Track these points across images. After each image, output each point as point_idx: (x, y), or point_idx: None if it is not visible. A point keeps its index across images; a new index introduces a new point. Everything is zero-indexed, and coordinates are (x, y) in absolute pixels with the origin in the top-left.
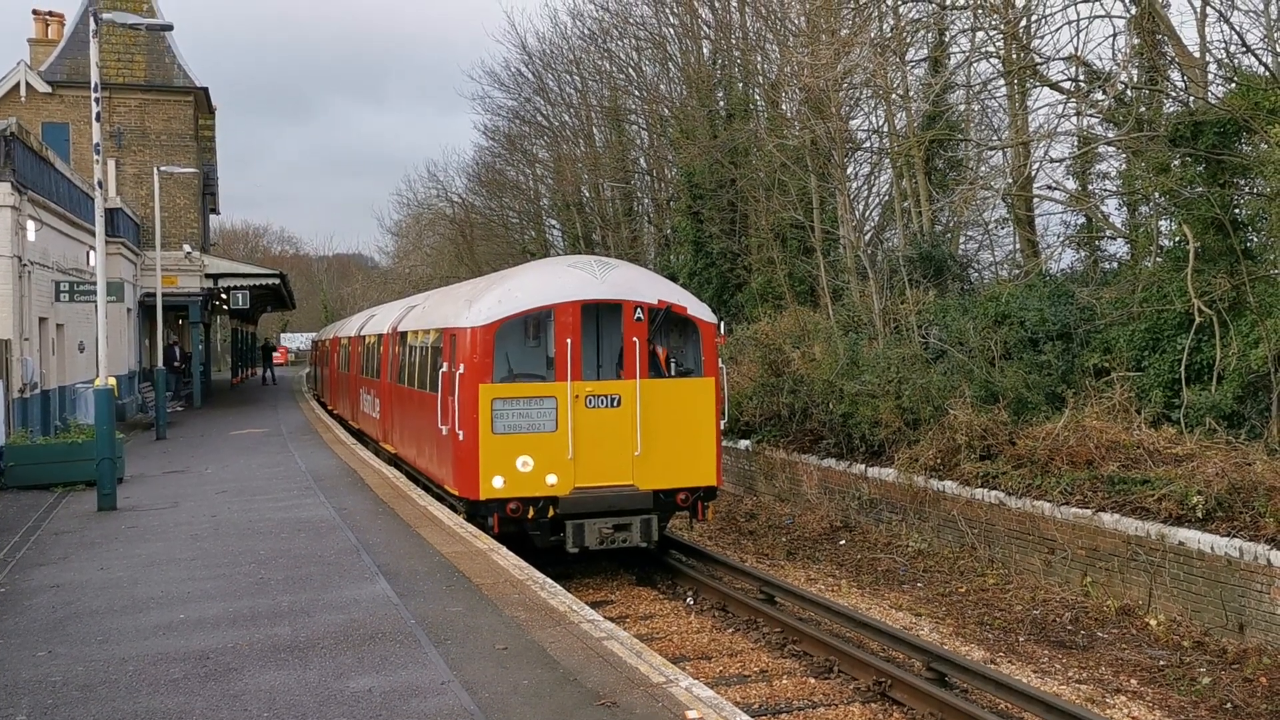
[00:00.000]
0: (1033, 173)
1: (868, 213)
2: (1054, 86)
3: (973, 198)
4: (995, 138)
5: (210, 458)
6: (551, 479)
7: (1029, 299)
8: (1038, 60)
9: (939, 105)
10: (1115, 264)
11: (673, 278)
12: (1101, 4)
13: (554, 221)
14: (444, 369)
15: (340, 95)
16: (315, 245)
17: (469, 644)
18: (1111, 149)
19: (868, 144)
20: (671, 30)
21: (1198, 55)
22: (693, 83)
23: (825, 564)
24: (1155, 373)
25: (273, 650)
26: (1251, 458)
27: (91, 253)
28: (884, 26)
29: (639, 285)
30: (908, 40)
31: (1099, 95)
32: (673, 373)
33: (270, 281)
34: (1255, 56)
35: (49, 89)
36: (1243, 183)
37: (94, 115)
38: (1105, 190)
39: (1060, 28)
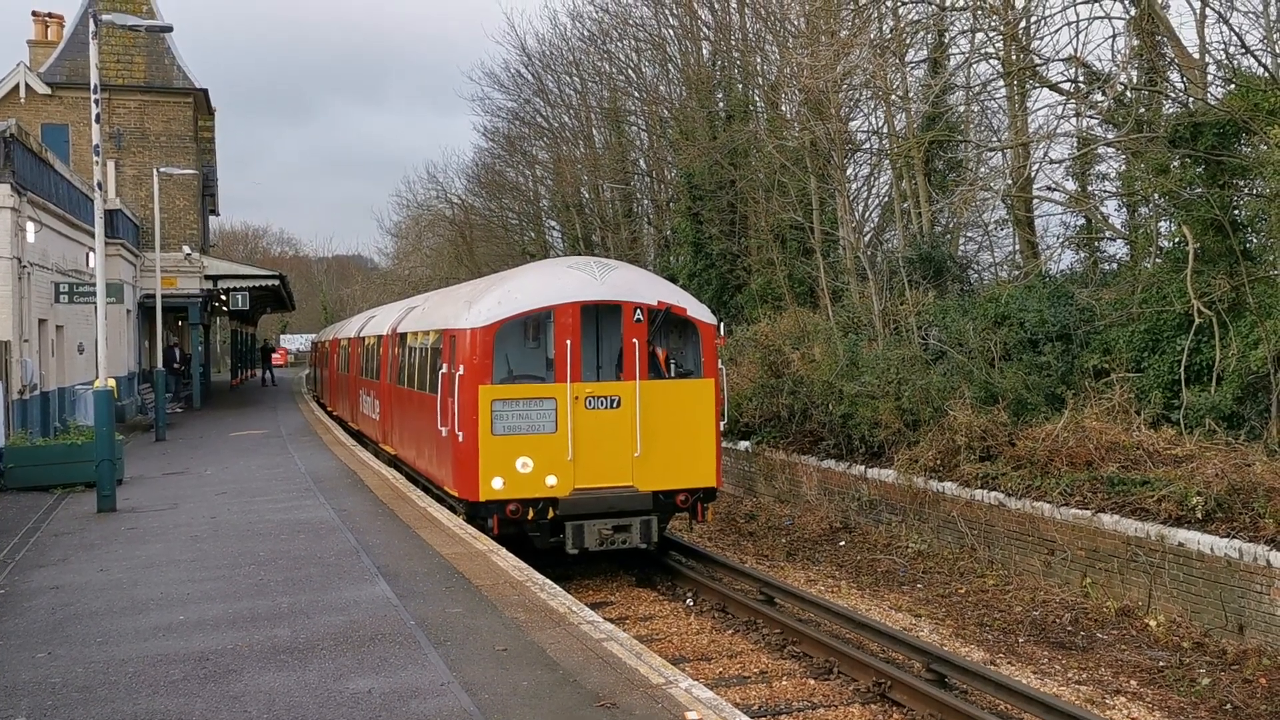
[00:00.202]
0: (1032, 174)
1: (867, 214)
2: (1053, 88)
3: (972, 199)
4: (995, 139)
5: (210, 459)
6: (551, 480)
7: (1028, 300)
8: (1037, 61)
9: (939, 106)
10: (1115, 265)
11: (672, 279)
12: (1101, 5)
13: (554, 223)
14: (444, 370)
15: (339, 96)
16: (315, 246)
17: (469, 645)
18: (1111, 150)
19: (867, 145)
20: (671, 31)
21: (1197, 56)
22: (692, 84)
23: (825, 565)
24: (1155, 374)
25: (272, 651)
26: (1251, 459)
27: (91, 254)
28: (883, 28)
29: (639, 286)
30: (907, 41)
31: (1098, 96)
32: (672, 374)
33: (270, 283)
34: (1254, 57)
35: (48, 90)
36: (1242, 184)
37: (93, 117)
38: (1105, 191)
39: (1060, 29)
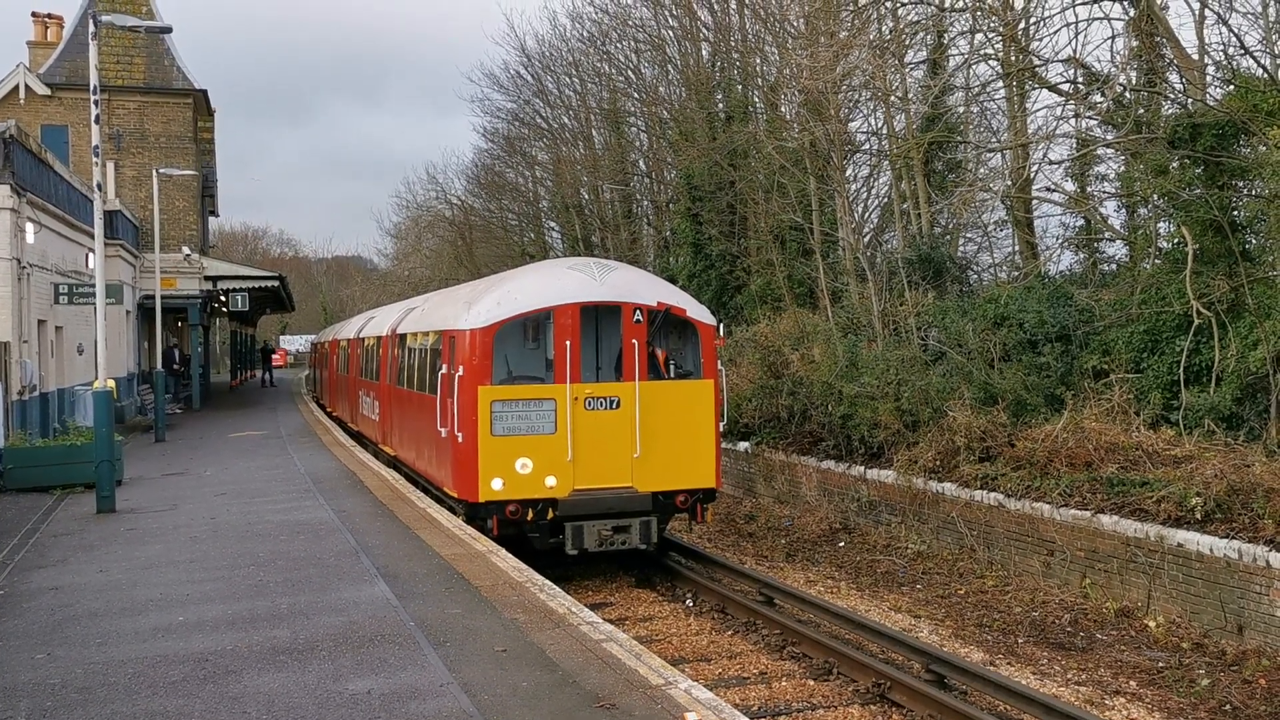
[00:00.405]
0: (1031, 175)
1: (867, 215)
2: (1053, 89)
3: (972, 199)
4: (994, 140)
5: (209, 460)
6: (551, 481)
7: (1028, 301)
8: (1036, 62)
9: (938, 107)
10: (1114, 266)
11: (672, 280)
12: (1100, 6)
13: (553, 223)
14: (443, 371)
15: (339, 97)
16: (314, 247)
17: (468, 646)
18: (1110, 151)
19: (867, 146)
20: (671, 32)
21: (1196, 57)
22: (692, 85)
23: (824, 566)
24: (1154, 374)
25: (272, 652)
26: (1250, 459)
27: (90, 255)
28: (883, 29)
29: (638, 287)
30: (907, 42)
31: (1098, 97)
32: (672, 375)
33: (269, 284)
34: (1254, 58)
35: (48, 91)
36: (1241, 184)
37: (93, 117)
38: (1104, 192)
39: (1059, 30)
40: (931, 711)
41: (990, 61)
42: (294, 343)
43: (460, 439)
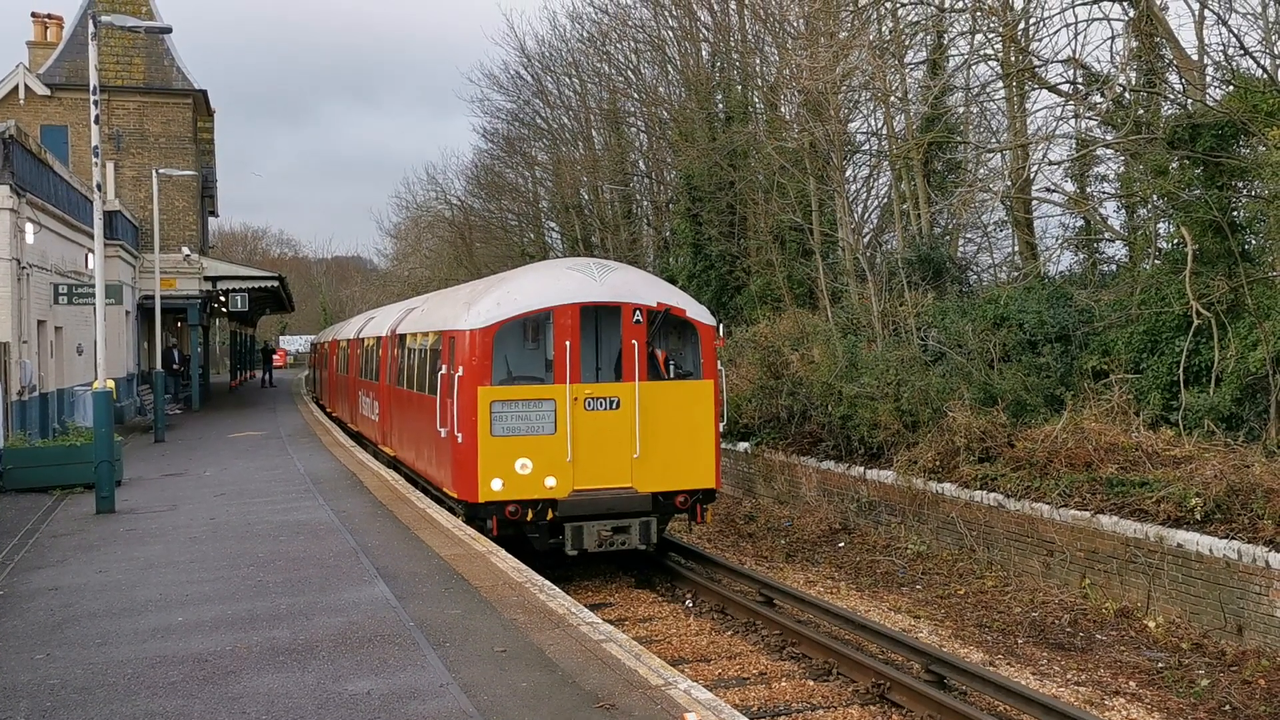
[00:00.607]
0: (1031, 175)
1: (866, 215)
2: (1052, 89)
3: (971, 200)
4: (994, 140)
5: (209, 460)
6: (550, 481)
7: (1028, 301)
8: (1036, 63)
9: (938, 108)
10: (1114, 266)
11: (672, 280)
12: (1100, 7)
13: (553, 224)
14: (443, 371)
15: (337, 99)
16: (314, 248)
17: (468, 646)
18: (1110, 151)
19: (866, 146)
20: (670, 33)
21: (1196, 58)
22: (692, 85)
23: (824, 566)
24: (1154, 375)
25: (271, 653)
26: (1250, 460)
27: (90, 255)
28: (883, 29)
29: (638, 288)
30: (906, 43)
31: (1097, 98)
32: (671, 375)
33: (269, 284)
34: (1253, 59)
35: (48, 92)
36: (1241, 185)
37: (93, 118)
38: (1104, 193)
39: (1059, 30)
40: (931, 712)
41: (990, 62)
42: (293, 343)
43: (460, 439)
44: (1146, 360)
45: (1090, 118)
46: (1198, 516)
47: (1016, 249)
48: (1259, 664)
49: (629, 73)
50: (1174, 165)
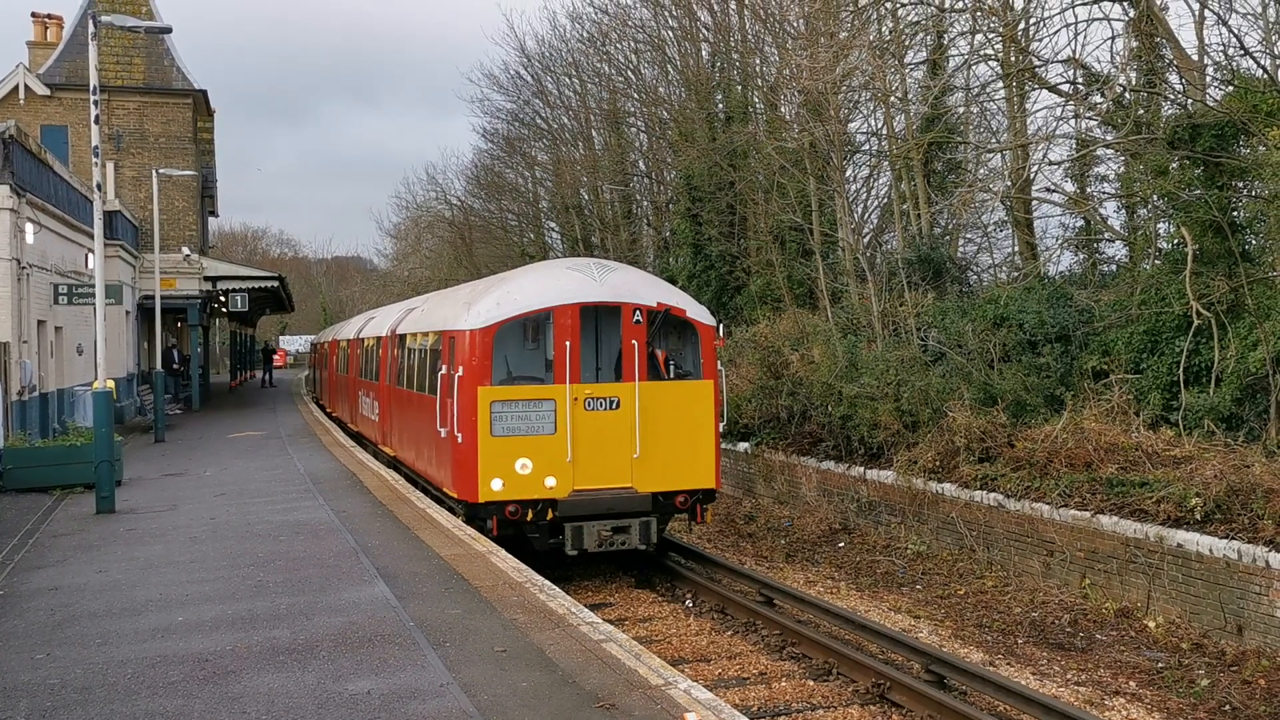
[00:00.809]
0: (1031, 175)
1: (866, 215)
2: (1052, 89)
3: (971, 200)
4: (994, 140)
5: (209, 460)
6: (550, 481)
7: (1028, 301)
8: (1036, 63)
9: (938, 108)
10: (1114, 266)
11: (672, 280)
12: (1100, 7)
13: (553, 224)
14: (443, 371)
15: (335, 100)
16: (314, 248)
17: (468, 646)
18: (1110, 151)
19: (866, 147)
20: (670, 33)
21: (1196, 58)
22: (692, 85)
23: (824, 566)
24: (1154, 375)
25: (271, 653)
26: (1250, 460)
27: (90, 255)
28: (883, 29)
29: (638, 288)
30: (906, 43)
31: (1097, 98)
32: (671, 375)
33: (269, 284)
34: (1253, 59)
35: (48, 92)
36: (1241, 185)
37: (93, 118)
38: (1104, 193)
39: (1059, 30)
40: (931, 712)
41: (990, 62)
42: (293, 343)
43: (460, 439)
44: (1146, 360)
45: (1090, 118)
46: (1198, 516)
47: (1016, 249)
48: (1259, 664)
49: (629, 73)
50: (1174, 165)
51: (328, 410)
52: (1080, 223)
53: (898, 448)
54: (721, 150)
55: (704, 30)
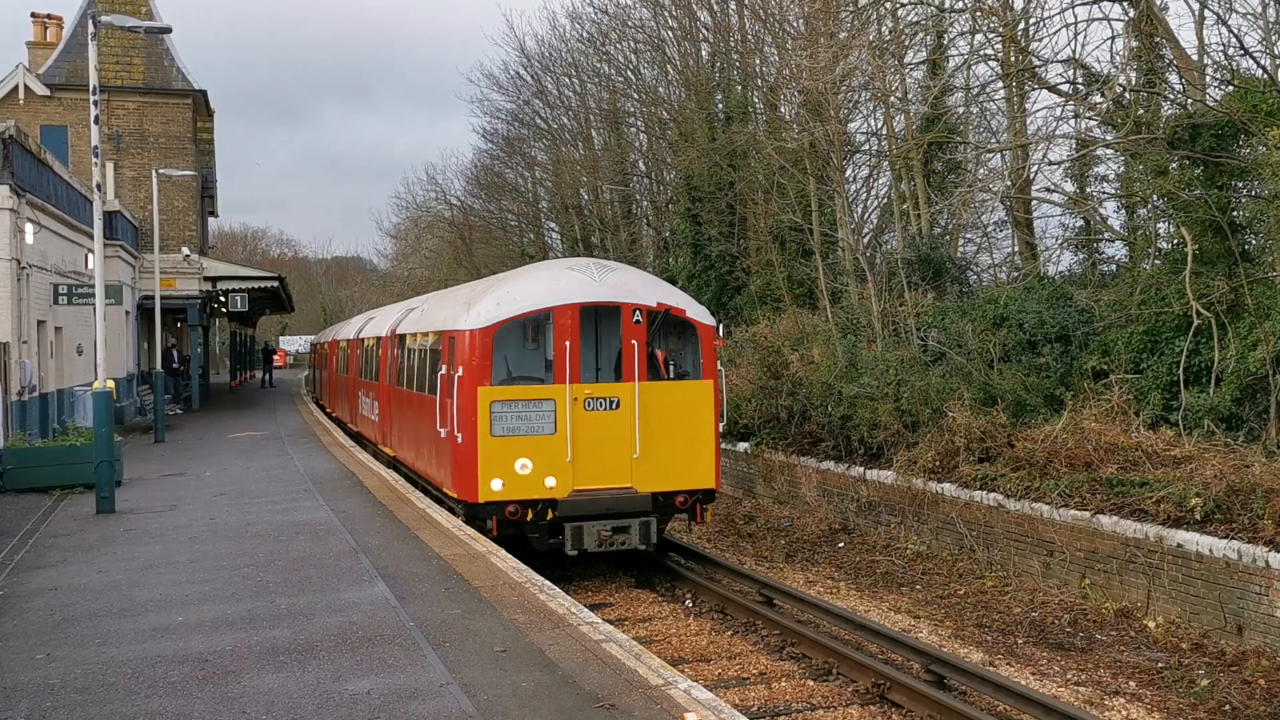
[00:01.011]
0: (1031, 175)
1: (866, 215)
2: (1052, 89)
3: (971, 200)
4: (994, 140)
5: (209, 460)
6: (550, 481)
7: (1027, 301)
8: (1036, 63)
9: (937, 108)
10: (1114, 266)
11: (671, 280)
12: (1100, 7)
13: (553, 224)
14: (443, 371)
15: (334, 101)
16: (314, 248)
17: (467, 646)
18: (1110, 151)
19: (866, 147)
20: (670, 33)
21: (1196, 58)
22: (691, 85)
23: (824, 566)
24: (1154, 375)
25: (271, 653)
26: (1250, 460)
27: (90, 255)
28: (882, 29)
29: (638, 288)
30: (906, 43)
31: (1097, 98)
32: (671, 375)
33: (269, 284)
34: (1253, 59)
35: (47, 92)
36: (1241, 185)
37: (92, 118)
38: (1104, 193)
39: (1058, 30)
40: (931, 712)
41: (990, 62)
42: (293, 343)
43: (460, 439)
44: (1146, 360)
45: (1090, 118)
46: (1198, 517)
47: (1016, 249)
48: (1259, 664)
49: (629, 73)
50: (1174, 165)
51: (327, 410)
52: (1080, 223)
53: (898, 448)
54: (721, 150)
55: (704, 30)
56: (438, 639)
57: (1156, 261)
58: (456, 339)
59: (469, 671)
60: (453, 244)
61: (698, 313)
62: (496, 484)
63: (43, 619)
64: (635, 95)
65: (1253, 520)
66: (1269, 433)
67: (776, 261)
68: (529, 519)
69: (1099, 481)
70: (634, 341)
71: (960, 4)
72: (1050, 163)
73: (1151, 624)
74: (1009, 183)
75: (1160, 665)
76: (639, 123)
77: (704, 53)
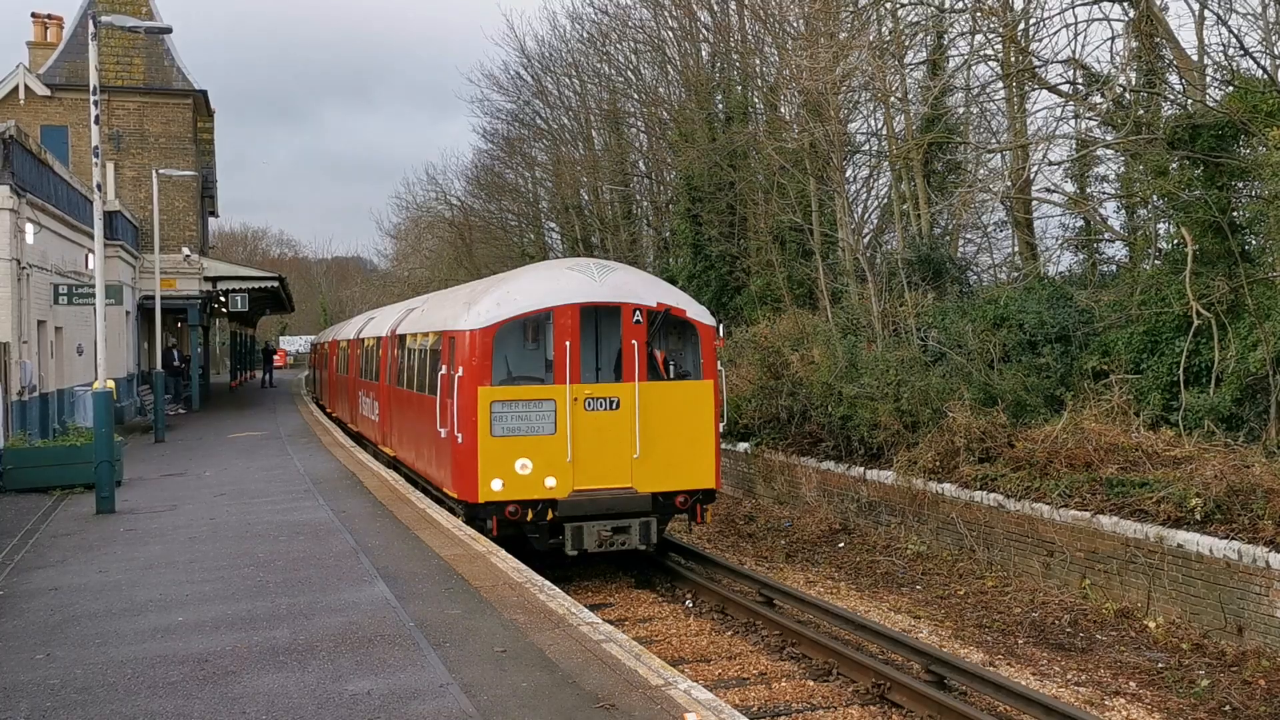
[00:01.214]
0: (1031, 175)
1: (866, 215)
2: (1052, 89)
3: (971, 200)
4: (994, 141)
5: (209, 461)
6: (550, 481)
7: (1028, 301)
8: (1036, 63)
9: (938, 108)
10: (1114, 267)
11: (672, 280)
12: (1100, 7)
13: (553, 224)
14: (443, 372)
15: (334, 101)
16: (314, 248)
17: (468, 646)
18: (1110, 152)
19: (866, 147)
20: (670, 33)
21: (1196, 58)
22: (691, 86)
23: (824, 566)
24: (1154, 375)
25: (271, 653)
26: (1250, 460)
27: (90, 255)
28: (883, 30)
29: (638, 288)
30: (906, 43)
31: (1097, 98)
32: (671, 375)
33: (269, 284)
34: (1253, 59)
35: (48, 92)
36: (1241, 185)
37: (93, 118)
38: (1104, 193)
39: (1058, 31)
40: (931, 712)
41: (990, 62)
42: (293, 343)
43: (460, 440)
44: (1146, 360)
45: (1090, 118)
46: (1198, 517)
47: (1016, 249)
48: (1259, 664)
49: (629, 73)
50: (1174, 165)
51: (327, 410)
52: (1080, 223)
53: (898, 448)
54: (721, 150)
55: (704, 30)
56: (438, 639)
57: (1156, 262)
58: (457, 339)
59: (469, 671)
60: (453, 244)
61: (698, 313)
62: (496, 484)
63: (43, 619)
64: (635, 95)
65: (1253, 520)
66: (1269, 433)
67: (776, 262)
68: (529, 519)
69: (1099, 482)
70: (634, 341)
71: (960, 4)
72: (1050, 163)
73: (1152, 624)
74: (1009, 183)
75: (1160, 665)
76: (639, 123)
77: (704, 53)
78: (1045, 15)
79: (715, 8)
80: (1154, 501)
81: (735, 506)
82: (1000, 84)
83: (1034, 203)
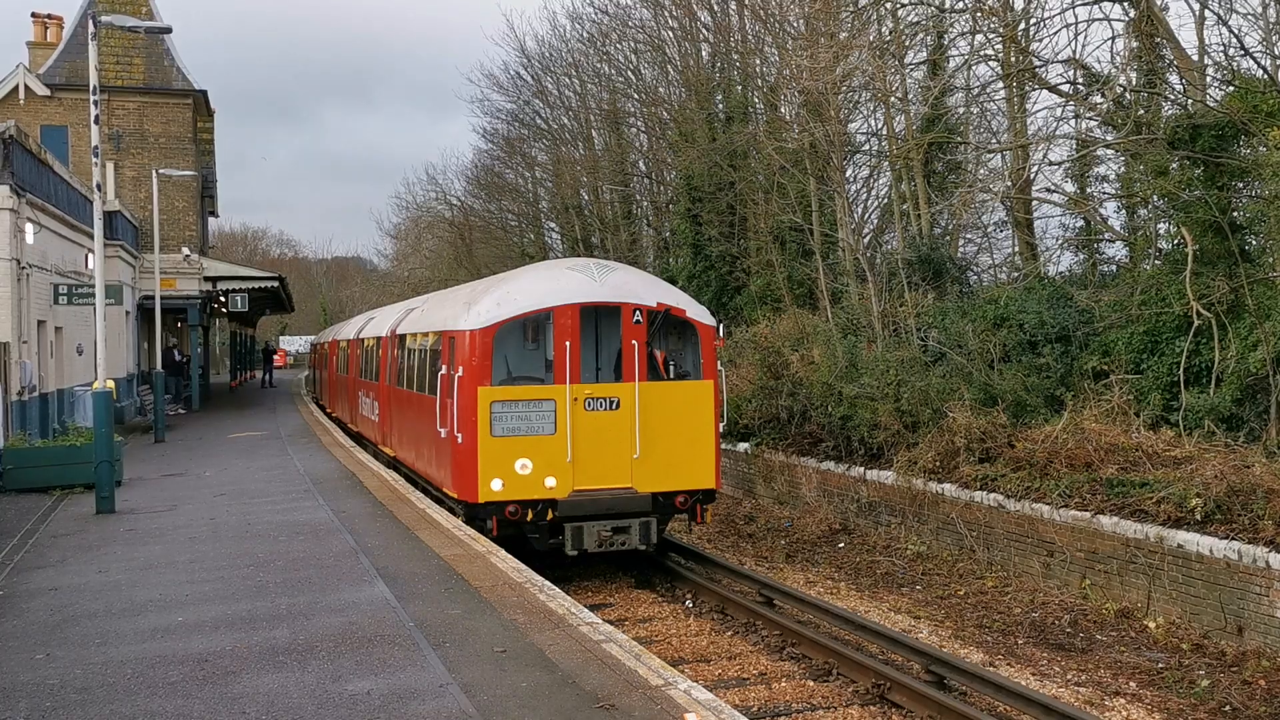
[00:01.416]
0: (1031, 175)
1: (866, 215)
2: (1053, 89)
3: (971, 200)
4: (994, 141)
5: (208, 461)
6: (550, 482)
7: (1028, 302)
8: (1036, 63)
9: (938, 108)
10: (1114, 267)
11: (672, 280)
12: (1100, 7)
13: (553, 224)
14: (443, 372)
15: (335, 101)
16: (314, 248)
17: (467, 646)
18: (1110, 152)
19: (866, 147)
20: (670, 33)
21: (1196, 58)
22: (692, 86)
23: (824, 567)
24: (1154, 375)
25: (271, 653)
26: (1250, 460)
27: (90, 255)
28: (883, 30)
29: (638, 288)
30: (906, 43)
31: (1098, 98)
32: (671, 375)
33: (269, 284)
34: (1253, 59)
35: (47, 92)
36: (1241, 185)
37: (92, 118)
38: (1104, 193)
39: (1059, 31)
40: (931, 712)
41: (990, 62)
42: (293, 343)
43: (460, 440)
44: (1147, 361)
45: (1090, 118)
46: (1198, 517)
47: (1016, 249)
48: (1259, 664)
49: (629, 73)
50: (1174, 165)
51: (327, 410)
52: (1080, 223)
53: (898, 448)
54: (721, 150)
55: (704, 30)
56: (438, 639)
57: (1157, 262)
58: (457, 339)
59: (469, 672)
60: (453, 244)
61: (698, 313)
62: (496, 484)
63: (42, 619)
64: (635, 95)
65: (1253, 521)
66: (1269, 433)
67: (777, 262)
68: (529, 519)
69: (1099, 482)
70: (634, 341)
71: (960, 4)
72: (1050, 163)
73: (1152, 624)
74: (1009, 183)
75: (1160, 666)
76: (639, 123)
77: (704, 53)
78: (1045, 15)
79: (715, 8)
80: (1154, 502)
81: (735, 506)
82: (1000, 84)
83: (1034, 203)
